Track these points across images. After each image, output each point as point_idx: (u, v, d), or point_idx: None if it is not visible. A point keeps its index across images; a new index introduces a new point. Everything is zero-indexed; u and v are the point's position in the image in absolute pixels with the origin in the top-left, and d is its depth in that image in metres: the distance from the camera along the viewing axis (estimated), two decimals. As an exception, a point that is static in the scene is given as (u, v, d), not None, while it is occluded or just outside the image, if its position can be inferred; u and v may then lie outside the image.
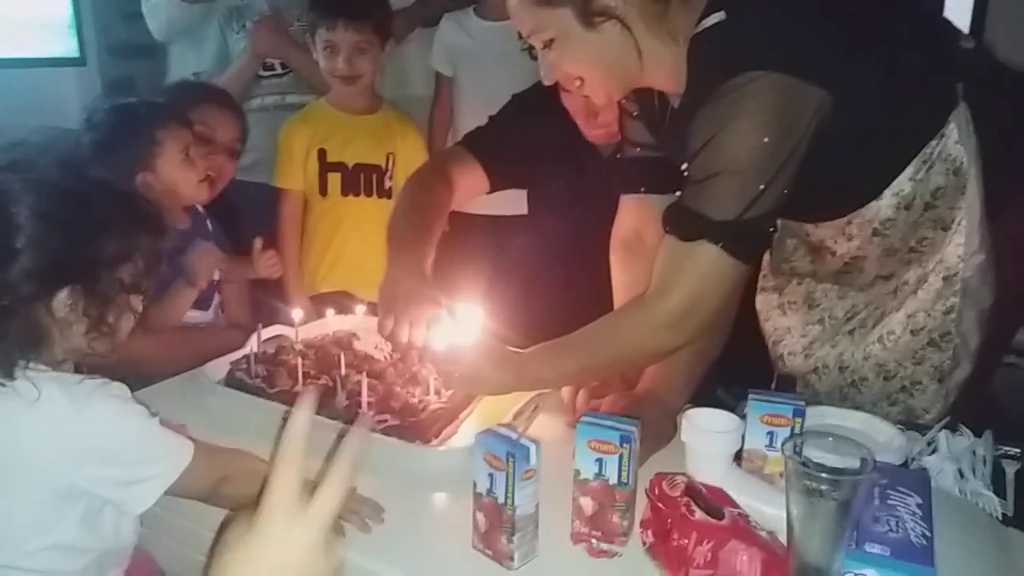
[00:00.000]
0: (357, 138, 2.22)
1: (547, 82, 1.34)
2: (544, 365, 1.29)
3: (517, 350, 1.34)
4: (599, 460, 1.06)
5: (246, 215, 2.23)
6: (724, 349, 1.48)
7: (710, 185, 1.17)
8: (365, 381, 1.32)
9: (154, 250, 1.04)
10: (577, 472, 1.07)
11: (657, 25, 1.22)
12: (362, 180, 2.23)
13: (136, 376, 1.52)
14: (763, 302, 1.63)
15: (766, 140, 1.14)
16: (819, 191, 1.22)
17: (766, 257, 1.59)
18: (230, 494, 1.07)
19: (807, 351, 1.54)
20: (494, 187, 1.78)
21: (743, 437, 1.15)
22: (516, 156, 1.77)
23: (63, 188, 0.97)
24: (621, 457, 1.05)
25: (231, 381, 1.44)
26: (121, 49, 3.07)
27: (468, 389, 1.34)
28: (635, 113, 1.44)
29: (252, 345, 1.52)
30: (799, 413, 1.14)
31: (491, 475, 1.02)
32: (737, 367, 1.55)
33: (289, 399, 1.37)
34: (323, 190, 2.22)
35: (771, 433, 1.16)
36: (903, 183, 1.29)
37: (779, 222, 1.35)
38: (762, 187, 1.15)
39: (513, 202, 1.99)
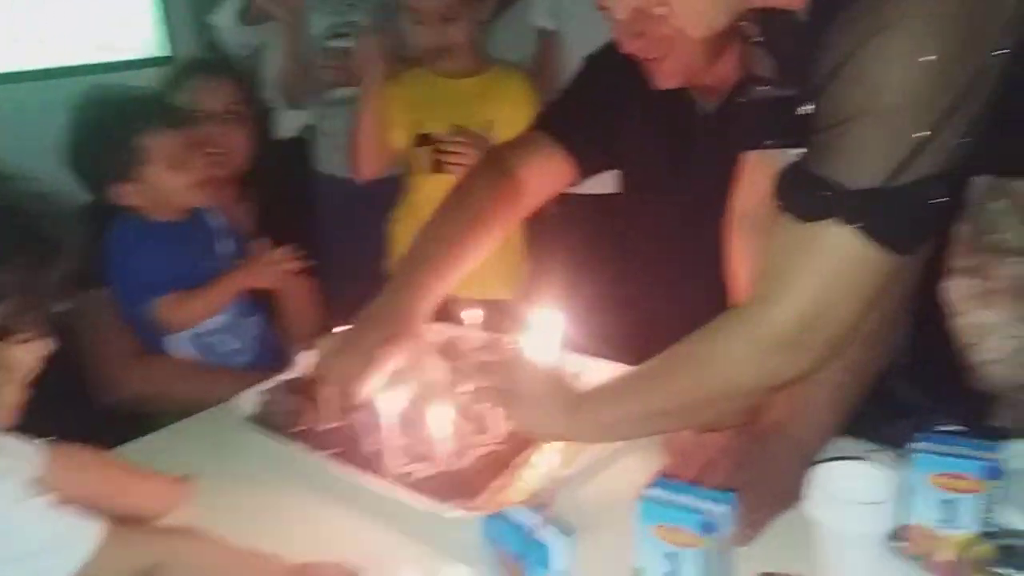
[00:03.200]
0: (452, 105, 1.88)
1: (620, 15, 0.98)
2: (606, 406, 0.94)
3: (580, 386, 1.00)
4: (671, 555, 0.72)
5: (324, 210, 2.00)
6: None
7: (842, 135, 0.79)
8: (392, 422, 1.03)
9: (39, 283, 0.80)
10: (638, 573, 0.73)
11: None
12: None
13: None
14: (956, 290, 1.17)
15: (929, 60, 0.74)
16: (1004, 115, 0.79)
17: (960, 228, 1.15)
18: None
19: (1019, 359, 1.09)
20: (585, 173, 1.39)
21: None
22: (604, 132, 1.39)
23: None
24: (704, 554, 0.70)
25: (259, 418, 1.20)
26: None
27: (511, 416, 1.01)
28: (757, 39, 1.05)
29: (291, 371, 1.28)
30: (992, 473, 0.74)
31: (502, 580, 0.71)
32: (912, 382, 1.14)
33: (316, 441, 1.12)
34: (412, 167, 1.93)
35: (949, 502, 0.76)
36: None
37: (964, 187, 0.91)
38: (922, 135, 0.76)
39: (600, 179, 1.60)
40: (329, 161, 2.16)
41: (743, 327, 0.85)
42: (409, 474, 1.00)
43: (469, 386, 1.16)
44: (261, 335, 1.68)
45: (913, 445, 0.78)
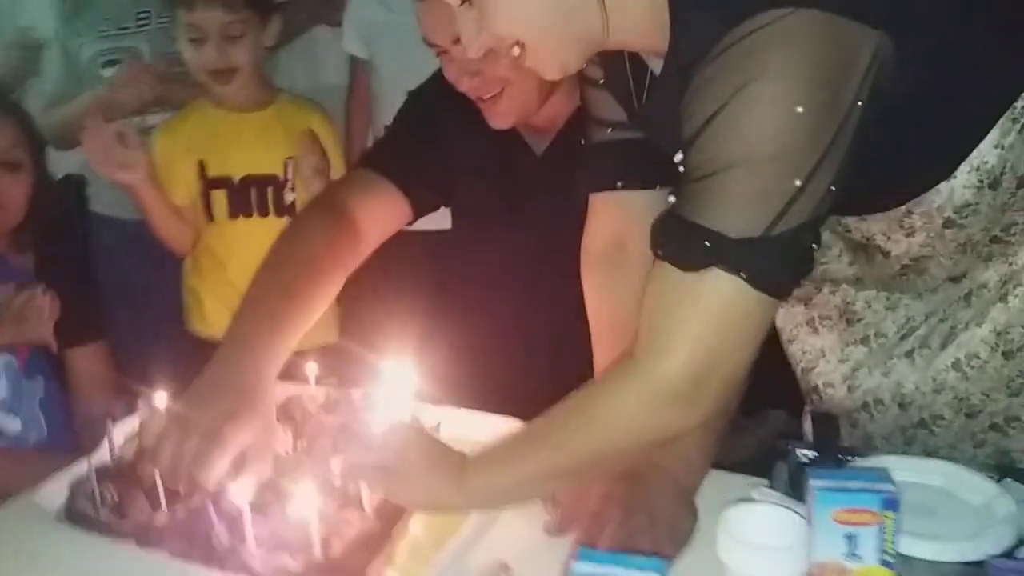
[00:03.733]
0: (244, 143, 1.75)
1: (472, 53, 0.94)
2: (498, 471, 0.89)
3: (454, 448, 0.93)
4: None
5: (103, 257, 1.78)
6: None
7: (719, 185, 0.79)
8: (247, 505, 0.91)
9: None
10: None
11: None
12: (254, 196, 1.75)
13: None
14: (785, 317, 1.24)
15: (800, 110, 0.76)
16: (868, 174, 0.85)
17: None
18: None
19: (850, 381, 1.16)
20: (419, 212, 1.35)
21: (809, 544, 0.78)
22: (434, 169, 1.36)
23: None
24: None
25: (72, 512, 1.02)
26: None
27: (390, 494, 0.94)
28: (600, 82, 1.05)
29: (104, 451, 1.11)
30: (890, 504, 0.76)
31: None
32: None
33: (150, 537, 0.97)
34: (208, 213, 1.76)
35: (851, 537, 0.78)
36: (986, 153, 0.92)
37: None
38: (798, 183, 0.78)
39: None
40: (106, 201, 1.92)
41: (637, 383, 0.83)
42: (280, 568, 0.88)
43: (324, 456, 1.06)
44: (46, 404, 1.45)
45: (811, 482, 0.79)
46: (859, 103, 0.80)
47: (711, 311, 0.81)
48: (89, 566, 0.97)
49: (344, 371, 1.30)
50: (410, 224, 1.37)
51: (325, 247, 1.18)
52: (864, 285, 1.14)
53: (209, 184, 1.75)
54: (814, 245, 0.83)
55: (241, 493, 0.91)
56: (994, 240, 1.00)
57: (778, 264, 0.81)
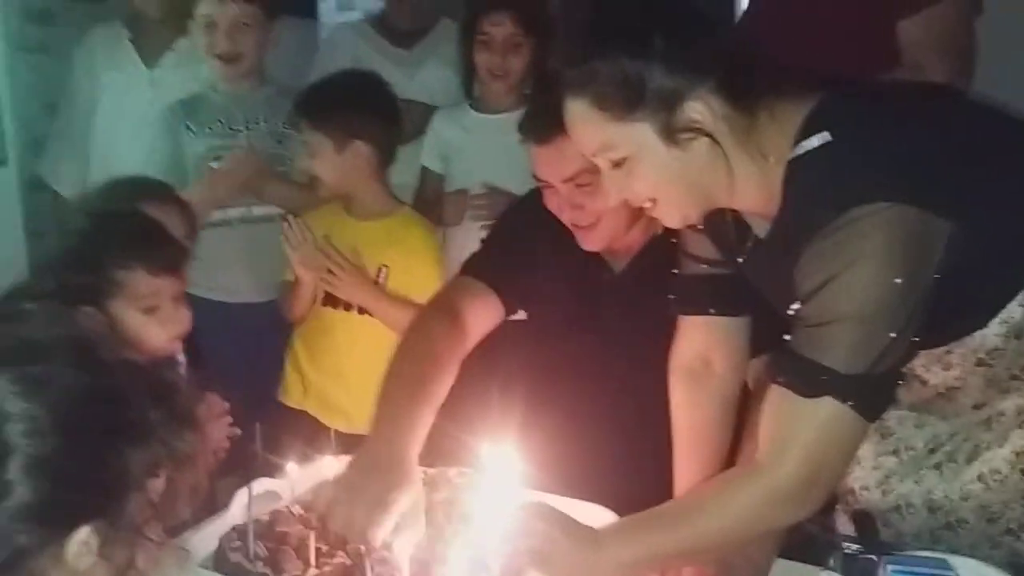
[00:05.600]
0: (350, 243, 1.95)
1: (611, 204, 1.16)
2: (632, 544, 1.07)
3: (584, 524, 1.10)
4: None
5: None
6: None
7: (832, 332, 1.01)
8: (406, 563, 1.06)
9: (187, 454, 0.76)
10: None
11: (746, 140, 1.07)
12: None
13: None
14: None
15: (898, 281, 1.00)
16: (925, 322, 1.07)
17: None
18: None
19: (883, 486, 1.36)
20: (508, 314, 1.56)
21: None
22: (524, 278, 1.56)
23: (78, 383, 0.69)
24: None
25: (223, 565, 1.15)
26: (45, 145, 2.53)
27: (543, 571, 1.09)
28: (700, 227, 1.26)
29: (238, 509, 1.24)
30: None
31: None
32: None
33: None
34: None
35: (922, 617, 0.96)
36: (1013, 310, 1.15)
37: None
38: (893, 335, 1.01)
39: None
40: (196, 283, 2.07)
41: (760, 480, 1.04)
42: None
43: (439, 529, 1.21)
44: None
45: (889, 567, 0.98)
46: (935, 275, 1.03)
47: (823, 429, 1.02)
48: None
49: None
50: (503, 320, 1.56)
51: (444, 345, 1.38)
52: (898, 406, 1.35)
53: None
54: (900, 382, 1.05)
55: (402, 551, 1.06)
56: (1013, 377, 1.21)
57: (876, 396, 1.03)
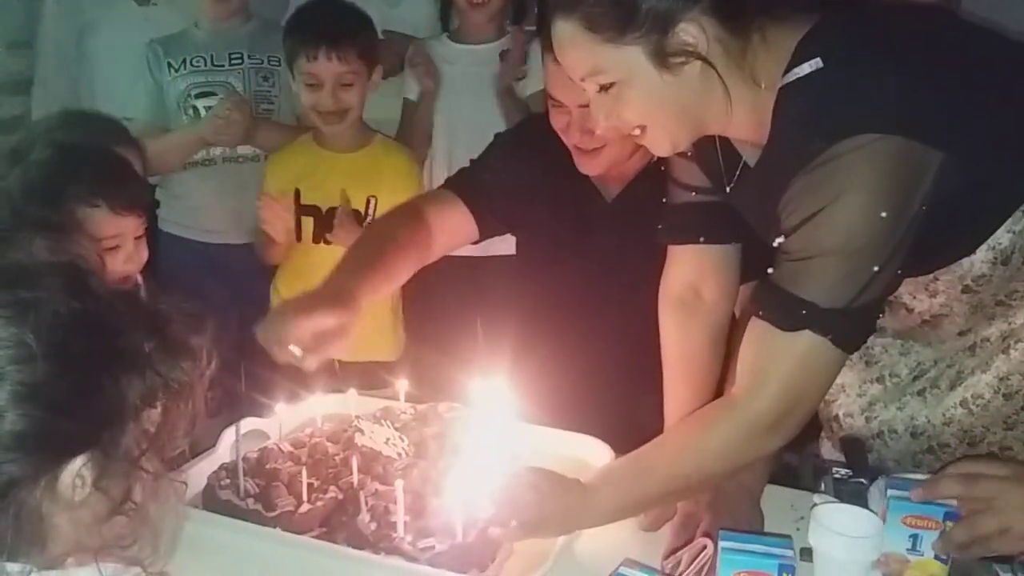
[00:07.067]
0: (336, 178, 1.93)
1: (598, 130, 1.13)
2: (620, 492, 1.09)
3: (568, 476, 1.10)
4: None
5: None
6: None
7: (815, 266, 1.01)
8: (401, 495, 1.06)
9: (183, 384, 0.74)
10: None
11: (739, 65, 1.04)
12: None
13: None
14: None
15: (884, 215, 0.99)
16: (912, 252, 1.07)
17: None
18: None
19: (867, 412, 1.38)
20: (484, 234, 1.56)
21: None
22: (507, 202, 1.55)
23: (69, 309, 0.67)
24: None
25: (213, 502, 1.14)
26: (10, 85, 2.40)
27: (534, 535, 1.09)
28: (688, 154, 1.24)
29: (225, 448, 1.23)
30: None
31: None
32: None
33: (296, 525, 1.10)
34: (297, 235, 1.94)
35: (915, 536, 0.98)
36: (1001, 236, 1.15)
37: None
38: (876, 269, 1.00)
39: (496, 242, 1.73)
40: (176, 221, 2.04)
41: (737, 414, 1.05)
42: (428, 549, 1.03)
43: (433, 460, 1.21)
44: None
45: (889, 492, 1.00)
46: (923, 207, 1.02)
47: (801, 362, 1.02)
48: (240, 553, 1.08)
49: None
50: (476, 243, 1.57)
51: (405, 236, 1.41)
52: (883, 333, 1.36)
53: (301, 210, 1.93)
54: (881, 313, 1.05)
55: (397, 487, 1.06)
56: (999, 303, 1.22)
57: (855, 329, 1.03)
